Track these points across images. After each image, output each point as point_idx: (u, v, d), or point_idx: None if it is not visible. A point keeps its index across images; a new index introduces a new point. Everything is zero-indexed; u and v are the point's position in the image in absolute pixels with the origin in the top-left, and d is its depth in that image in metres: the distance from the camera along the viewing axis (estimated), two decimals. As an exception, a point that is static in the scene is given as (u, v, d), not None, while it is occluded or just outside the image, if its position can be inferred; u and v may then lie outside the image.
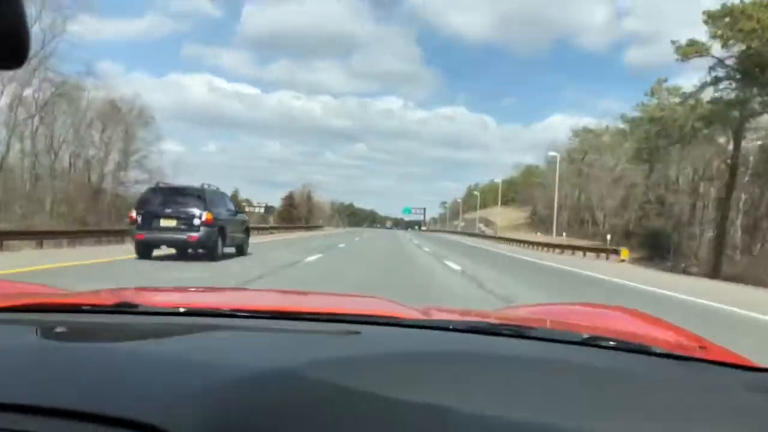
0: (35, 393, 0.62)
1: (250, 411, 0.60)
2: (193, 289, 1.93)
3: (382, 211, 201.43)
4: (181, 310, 1.02)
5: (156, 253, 12.64)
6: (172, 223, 12.24)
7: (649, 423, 0.64)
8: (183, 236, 12.22)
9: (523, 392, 0.68)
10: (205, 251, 12.53)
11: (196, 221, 12.32)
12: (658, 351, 0.86)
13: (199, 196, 12.83)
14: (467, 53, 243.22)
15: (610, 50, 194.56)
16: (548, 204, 54.04)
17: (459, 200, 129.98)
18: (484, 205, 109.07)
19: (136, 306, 0.99)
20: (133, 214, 12.63)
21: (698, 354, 0.92)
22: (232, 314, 1.00)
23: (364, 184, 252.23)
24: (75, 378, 0.67)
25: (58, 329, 0.86)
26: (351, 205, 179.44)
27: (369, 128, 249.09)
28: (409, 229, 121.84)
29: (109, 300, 1.06)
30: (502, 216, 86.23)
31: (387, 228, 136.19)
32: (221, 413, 0.59)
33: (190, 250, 12.65)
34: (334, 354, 0.76)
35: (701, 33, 23.89)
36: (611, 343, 0.88)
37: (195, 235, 12.27)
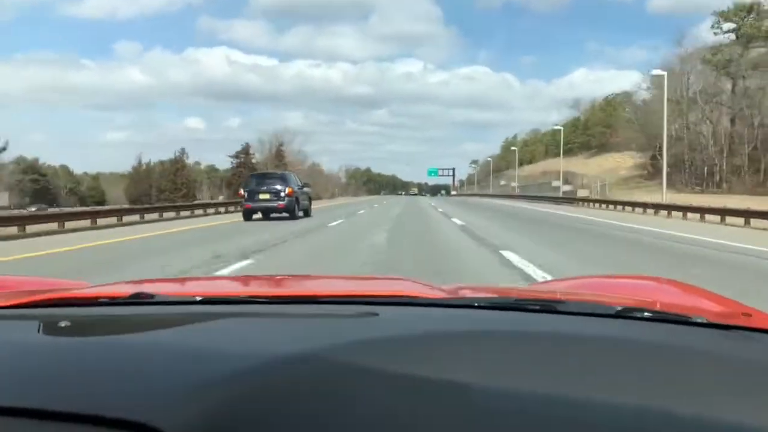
0: (35, 396, 0.60)
1: (268, 397, 0.59)
2: (209, 278, 2.02)
3: (405, 177, 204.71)
4: (198, 298, 0.99)
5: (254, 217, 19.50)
6: (267, 196, 19.16)
7: (689, 396, 0.60)
8: (274, 204, 19.04)
9: (553, 368, 0.66)
10: (288, 214, 19.24)
11: (282, 194, 19.16)
12: (699, 320, 0.83)
13: (282, 177, 20.11)
14: (486, 9, 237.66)
15: None
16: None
17: (489, 159, 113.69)
18: (530, 160, 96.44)
19: (152, 296, 0.98)
20: (241, 191, 20.05)
21: (742, 322, 0.87)
22: (250, 301, 1.00)
23: (385, 150, 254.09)
24: (71, 377, 0.65)
25: (62, 324, 0.80)
26: (368, 170, 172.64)
27: (389, 93, 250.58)
28: (440, 194, 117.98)
29: (125, 291, 1.03)
30: (587, 167, 65.45)
31: (411, 194, 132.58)
32: (240, 400, 0.58)
33: (275, 215, 19.35)
34: (350, 337, 0.74)
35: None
36: (647, 314, 0.85)
37: (282, 203, 19.12)
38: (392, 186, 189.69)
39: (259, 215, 19.39)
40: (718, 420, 0.55)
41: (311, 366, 0.64)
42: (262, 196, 19.12)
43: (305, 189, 21.66)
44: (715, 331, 0.80)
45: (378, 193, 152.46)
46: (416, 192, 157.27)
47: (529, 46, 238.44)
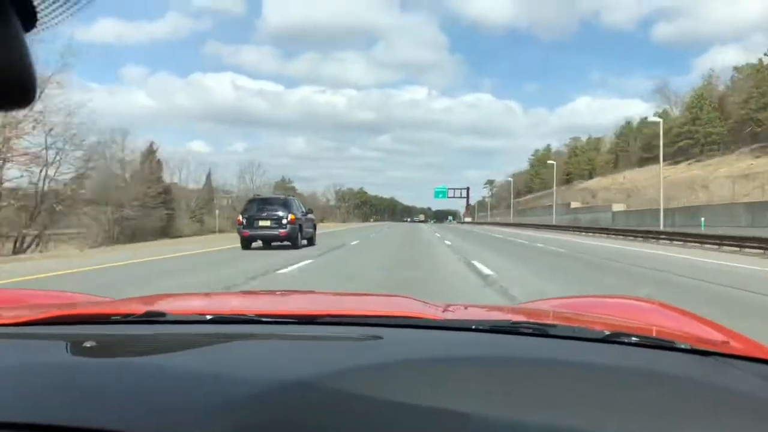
0: (62, 413, 0.64)
1: (276, 424, 0.62)
2: (219, 295, 2.06)
3: (406, 202, 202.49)
4: (208, 317, 1.05)
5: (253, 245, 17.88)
6: (267, 223, 17.54)
7: (670, 422, 0.64)
8: (275, 232, 17.43)
9: (547, 394, 0.69)
10: (290, 242, 17.67)
11: (284, 221, 17.59)
12: (681, 346, 0.87)
13: (284, 203, 18.40)
14: (491, 38, 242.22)
15: (637, 27, 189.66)
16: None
17: (510, 179, 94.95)
18: (587, 173, 79.63)
19: (163, 315, 1.03)
20: (240, 218, 18.06)
21: (721, 348, 0.91)
22: (257, 320, 1.05)
23: (387, 176, 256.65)
24: (103, 396, 0.69)
25: (87, 344, 0.86)
26: (362, 192, 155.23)
27: (393, 120, 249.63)
28: (447, 221, 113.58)
29: (138, 309, 1.09)
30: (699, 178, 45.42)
31: (414, 221, 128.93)
32: (248, 427, 0.61)
33: (276, 243, 17.80)
34: (358, 361, 0.78)
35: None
36: (633, 339, 0.89)
37: (284, 231, 17.53)
38: (391, 211, 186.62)
39: (259, 243, 17.91)
40: None
41: (322, 391, 0.67)
42: (262, 223, 17.58)
43: (309, 216, 20.24)
44: (696, 357, 0.85)
45: (375, 219, 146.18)
46: (422, 219, 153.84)
47: (532, 74, 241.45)
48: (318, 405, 0.65)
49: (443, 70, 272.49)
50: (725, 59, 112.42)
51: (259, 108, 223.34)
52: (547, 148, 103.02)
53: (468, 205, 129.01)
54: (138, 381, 0.74)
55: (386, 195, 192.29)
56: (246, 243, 17.65)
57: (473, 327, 0.98)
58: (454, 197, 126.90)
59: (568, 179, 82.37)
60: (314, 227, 20.78)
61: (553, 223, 51.54)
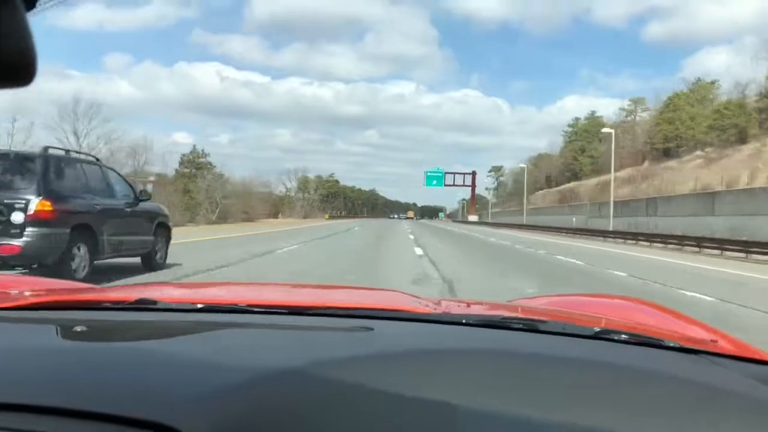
0: (55, 394, 0.64)
1: (265, 411, 0.62)
2: (211, 284, 2.13)
3: (392, 196, 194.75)
4: (199, 306, 1.05)
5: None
6: None
7: (658, 419, 0.64)
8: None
9: (535, 388, 0.70)
10: (45, 268, 6.81)
11: (18, 216, 6.62)
12: (670, 344, 0.88)
13: (31, 168, 7.09)
14: (481, 33, 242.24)
15: (628, 25, 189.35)
16: None
17: (522, 165, 71.60)
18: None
19: (154, 303, 1.03)
20: None
21: (709, 347, 0.92)
22: (248, 310, 1.03)
23: (374, 171, 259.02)
24: (94, 379, 0.70)
25: (78, 329, 0.87)
26: (333, 181, 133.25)
27: (380, 114, 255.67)
28: (439, 217, 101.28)
29: (129, 296, 1.08)
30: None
31: (400, 218, 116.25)
32: (237, 414, 0.61)
33: (15, 270, 6.89)
34: (348, 352, 0.79)
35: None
36: (623, 336, 0.90)
37: (15, 243, 6.58)
38: (371, 205, 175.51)
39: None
40: None
41: (312, 380, 0.68)
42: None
43: (140, 206, 9.09)
44: (684, 356, 0.86)
45: (346, 215, 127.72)
46: (410, 216, 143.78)
47: (521, 71, 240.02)
48: (308, 394, 0.66)
49: (432, 65, 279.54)
50: (717, 60, 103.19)
51: (245, 99, 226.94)
52: (592, 116, 77.15)
53: (473, 197, 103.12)
54: (128, 366, 0.74)
55: (373, 190, 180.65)
56: None
57: (464, 321, 0.99)
58: (452, 185, 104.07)
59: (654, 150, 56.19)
60: (163, 231, 9.82)
61: (610, 227, 32.62)
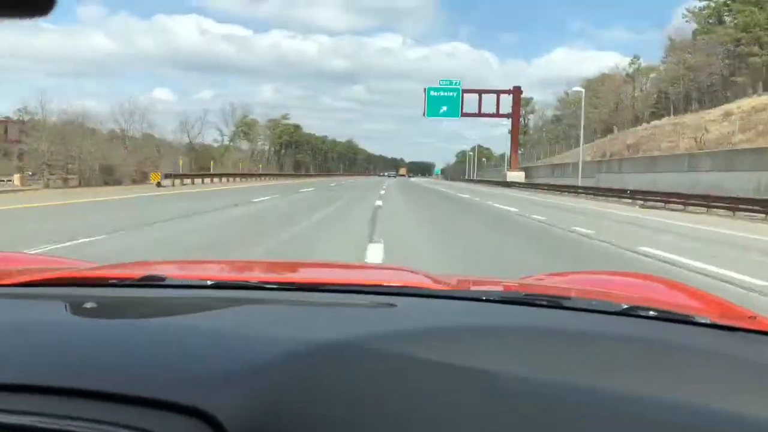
0: (69, 375, 0.62)
1: (291, 388, 0.60)
2: (219, 262, 1.96)
3: (376, 152, 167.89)
4: (209, 283, 1.03)
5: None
6: None
7: (694, 395, 0.62)
8: None
9: (562, 364, 0.67)
10: None
11: None
12: (703, 321, 0.85)
13: None
14: None
15: None
16: None
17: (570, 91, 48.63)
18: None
19: (163, 279, 1.00)
20: None
21: (746, 324, 0.88)
22: (261, 286, 1.02)
23: (361, 128, 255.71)
24: (108, 357, 0.67)
25: (88, 305, 0.84)
26: (291, 127, 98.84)
27: (366, 69, 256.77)
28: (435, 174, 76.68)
29: (136, 273, 1.06)
30: None
31: (391, 176, 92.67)
32: (269, 391, 0.59)
33: None
34: (373, 327, 0.77)
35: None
36: (652, 313, 0.87)
37: None
38: (349, 161, 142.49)
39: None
40: (722, 419, 0.57)
41: (342, 355, 0.66)
42: None
43: None
44: (719, 332, 0.83)
45: (307, 173, 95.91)
46: (403, 173, 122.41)
47: (510, 23, 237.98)
48: (334, 370, 0.64)
49: (420, 17, 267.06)
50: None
51: (227, 54, 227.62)
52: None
53: (516, 133, 60.20)
54: (140, 343, 0.71)
55: (350, 141, 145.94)
56: None
57: (485, 298, 0.97)
58: (477, 115, 60.18)
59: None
60: None
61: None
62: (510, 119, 60.80)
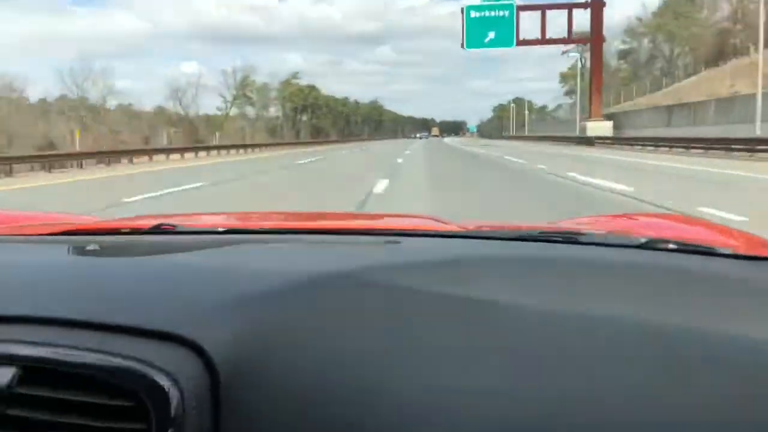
0: (64, 307, 0.63)
1: (282, 320, 0.60)
2: (231, 214, 1.93)
3: (404, 113, 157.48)
4: (220, 229, 1.05)
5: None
6: None
7: (712, 325, 0.60)
8: None
9: (579, 294, 0.66)
10: None
11: None
12: (726, 252, 0.83)
13: None
14: None
15: None
16: None
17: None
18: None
19: (174, 227, 1.02)
20: None
21: None
22: (272, 231, 1.04)
23: (389, 90, 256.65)
24: (105, 291, 0.68)
25: (90, 247, 0.86)
26: (308, 88, 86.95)
27: (393, 29, 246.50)
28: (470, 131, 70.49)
29: (147, 224, 1.06)
30: None
31: (423, 137, 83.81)
32: (253, 323, 0.59)
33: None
34: (375, 260, 0.76)
35: None
36: (672, 246, 0.84)
37: None
38: (375, 124, 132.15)
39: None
40: (740, 347, 0.56)
41: (341, 285, 0.67)
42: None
43: None
44: (745, 262, 0.81)
45: (323, 141, 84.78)
46: (437, 133, 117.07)
47: None
48: (340, 298, 0.64)
49: None
50: None
51: (251, 24, 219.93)
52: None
53: (599, 59, 44.08)
54: (135, 277, 0.72)
55: (375, 102, 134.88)
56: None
57: (497, 236, 0.95)
58: (538, 42, 45.03)
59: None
60: None
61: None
62: (587, 45, 46.00)
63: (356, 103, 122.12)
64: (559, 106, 78.95)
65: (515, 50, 46.71)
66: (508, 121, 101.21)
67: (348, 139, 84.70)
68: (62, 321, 0.60)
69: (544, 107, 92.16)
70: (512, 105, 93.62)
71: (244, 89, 67.87)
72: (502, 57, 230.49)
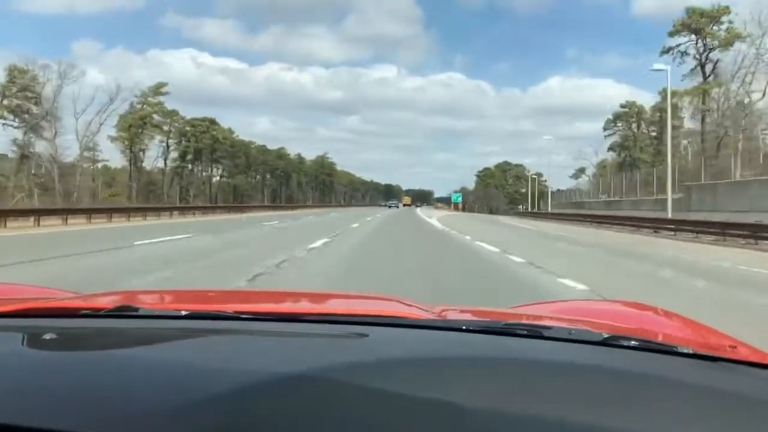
0: (8, 409, 0.60)
1: (246, 422, 0.59)
2: (195, 292, 1.92)
3: (366, 177, 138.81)
4: (183, 313, 1.01)
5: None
6: None
7: (673, 426, 0.61)
8: None
9: (539, 394, 0.67)
10: None
11: None
12: (684, 351, 0.84)
13: None
14: (465, 12, 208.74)
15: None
16: None
17: None
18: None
19: (136, 309, 0.99)
20: None
21: (728, 354, 0.88)
22: (236, 317, 1.01)
23: (357, 158, 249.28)
24: (56, 391, 0.64)
25: (47, 336, 0.81)
26: (210, 123, 58.29)
27: (362, 99, 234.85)
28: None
29: (109, 303, 1.04)
30: None
31: (391, 206, 75.77)
32: (217, 426, 0.58)
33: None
34: (340, 358, 0.75)
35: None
36: (633, 343, 0.86)
37: None
38: (322, 188, 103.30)
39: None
40: None
41: (304, 387, 0.65)
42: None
43: None
44: (701, 362, 0.82)
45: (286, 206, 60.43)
46: (408, 202, 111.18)
47: (505, 52, 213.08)
48: (299, 401, 0.62)
49: (415, 47, 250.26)
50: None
51: (222, 86, 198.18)
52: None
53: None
54: (98, 377, 0.69)
55: (324, 156, 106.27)
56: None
57: (464, 327, 0.95)
58: None
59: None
60: None
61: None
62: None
63: (300, 157, 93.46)
64: (581, 176, 56.33)
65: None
66: (496, 189, 79.54)
67: (278, 206, 56.47)
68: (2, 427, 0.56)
69: (540, 173, 66.42)
70: (532, 176, 67.33)
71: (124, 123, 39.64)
72: (462, 133, 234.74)
